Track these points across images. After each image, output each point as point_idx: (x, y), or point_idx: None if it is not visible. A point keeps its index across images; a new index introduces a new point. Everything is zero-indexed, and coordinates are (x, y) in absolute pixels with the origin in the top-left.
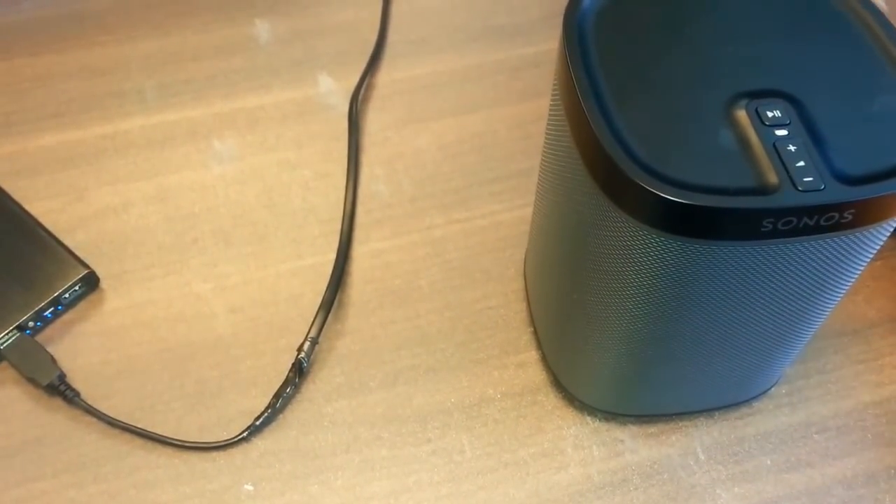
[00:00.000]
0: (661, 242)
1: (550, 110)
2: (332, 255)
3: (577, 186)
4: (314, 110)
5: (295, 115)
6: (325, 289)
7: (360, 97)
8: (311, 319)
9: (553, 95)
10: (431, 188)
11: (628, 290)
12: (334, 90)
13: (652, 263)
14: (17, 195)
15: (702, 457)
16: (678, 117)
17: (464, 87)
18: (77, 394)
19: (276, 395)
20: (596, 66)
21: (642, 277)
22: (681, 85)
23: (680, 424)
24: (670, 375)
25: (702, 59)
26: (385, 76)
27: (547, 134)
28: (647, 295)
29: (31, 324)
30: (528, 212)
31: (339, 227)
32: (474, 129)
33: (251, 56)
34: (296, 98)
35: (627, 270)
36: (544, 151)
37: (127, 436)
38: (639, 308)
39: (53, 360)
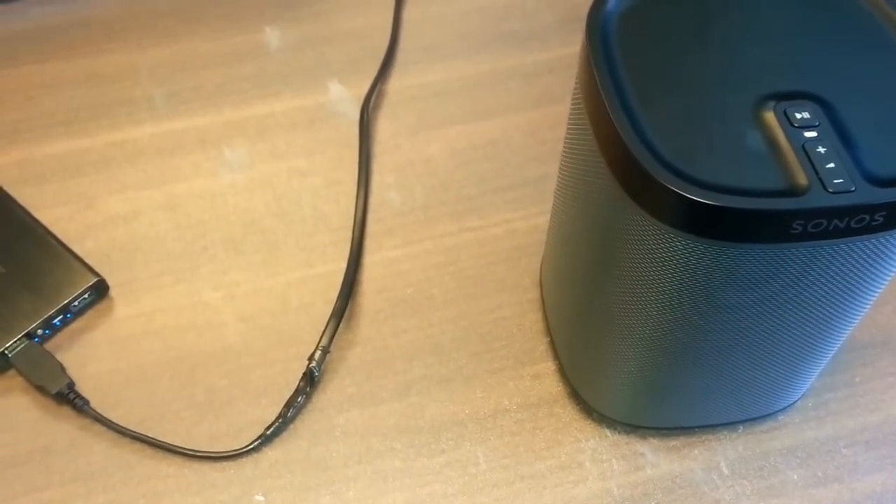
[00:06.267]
0: (687, 246)
1: (571, 114)
2: (343, 264)
3: (600, 190)
4: (325, 118)
5: (305, 122)
6: (335, 298)
7: (371, 104)
8: (322, 328)
9: (574, 99)
10: (444, 196)
11: (652, 296)
12: (345, 97)
13: (677, 267)
14: (26, 203)
15: (726, 471)
16: (704, 119)
17: (476, 93)
18: (86, 402)
19: (287, 405)
20: (620, 68)
21: (667, 282)
22: (707, 86)
23: (703, 438)
24: (694, 386)
25: (728, 61)
26: (396, 83)
27: (567, 138)
28: (672, 300)
29: (39, 331)
30: (544, 220)
31: (349, 235)
32: (487, 136)
33: (261, 63)
34: (306, 105)
35: (652, 275)
36: (564, 156)
37: (136, 445)
38: (663, 314)
39: (62, 368)
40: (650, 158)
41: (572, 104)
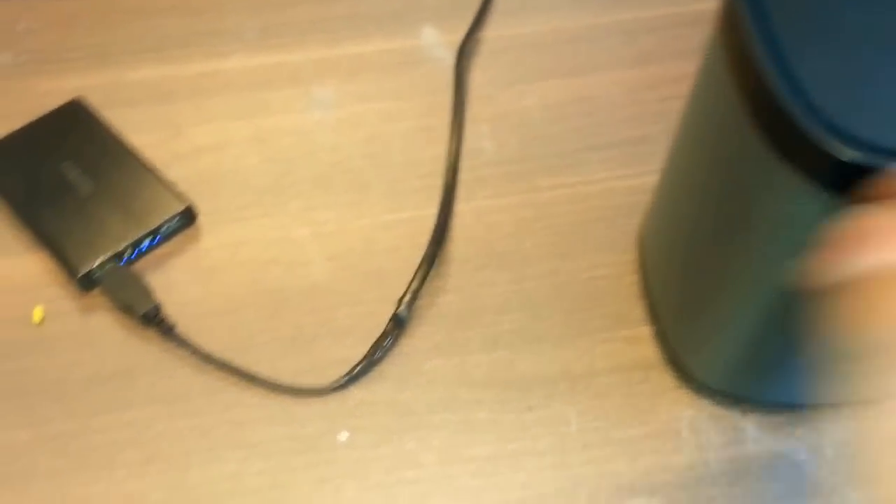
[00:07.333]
0: (838, 209)
1: (703, 66)
2: (432, 211)
3: (736, 145)
4: (416, 62)
5: (397, 65)
6: (424, 244)
7: (465, 51)
8: (409, 274)
9: (709, 50)
10: (538, 150)
11: (783, 259)
12: (439, 42)
13: (819, 231)
14: (116, 126)
15: (830, 454)
16: (865, 75)
17: (575, 47)
18: (173, 326)
19: (375, 346)
20: (769, 13)
21: (804, 246)
22: (867, 41)
23: (807, 417)
24: (806, 361)
25: (891, 16)
26: (493, 32)
27: (695, 95)
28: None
29: (127, 253)
30: (641, 181)
31: (439, 182)
32: (584, 93)
33: (353, 3)
34: (398, 48)
35: (790, 238)
36: (686, 115)
37: (220, 373)
38: (791, 279)
39: (150, 291)
40: (803, 110)
41: (705, 57)
